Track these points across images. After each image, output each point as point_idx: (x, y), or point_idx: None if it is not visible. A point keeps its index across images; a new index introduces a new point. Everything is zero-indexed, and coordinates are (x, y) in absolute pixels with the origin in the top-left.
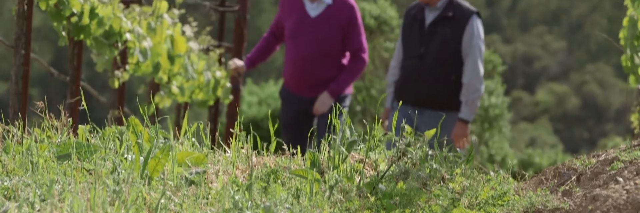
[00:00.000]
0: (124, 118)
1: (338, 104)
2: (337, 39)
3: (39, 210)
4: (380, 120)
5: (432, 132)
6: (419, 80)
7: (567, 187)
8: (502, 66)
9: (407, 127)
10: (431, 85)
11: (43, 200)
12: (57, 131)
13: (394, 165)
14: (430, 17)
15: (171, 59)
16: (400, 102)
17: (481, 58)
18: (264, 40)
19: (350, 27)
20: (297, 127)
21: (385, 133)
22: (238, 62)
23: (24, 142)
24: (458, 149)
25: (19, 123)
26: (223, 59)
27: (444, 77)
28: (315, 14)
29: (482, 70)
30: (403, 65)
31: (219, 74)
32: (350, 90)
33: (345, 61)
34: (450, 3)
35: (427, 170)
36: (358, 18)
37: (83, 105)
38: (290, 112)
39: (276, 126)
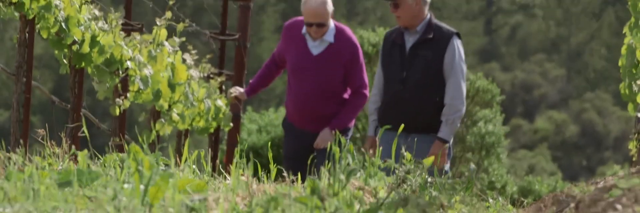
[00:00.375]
0: (125, 146)
1: (340, 136)
2: (339, 76)
3: None
4: (363, 149)
5: (431, 159)
6: (402, 105)
7: None
8: (501, 96)
9: (407, 155)
10: (415, 109)
11: None
12: (59, 158)
13: (393, 192)
14: (410, 40)
15: (172, 86)
16: (384, 127)
17: (463, 78)
18: (266, 67)
19: (352, 65)
20: (298, 159)
21: (385, 161)
22: (239, 89)
23: (25, 169)
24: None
25: (21, 151)
26: (224, 87)
27: (428, 99)
28: (317, 51)
29: (464, 91)
30: (385, 90)
31: (219, 101)
32: (352, 123)
33: (346, 96)
34: (429, 26)
35: (427, 198)
36: (360, 56)
37: (84, 132)
38: (292, 145)
39: (275, 154)
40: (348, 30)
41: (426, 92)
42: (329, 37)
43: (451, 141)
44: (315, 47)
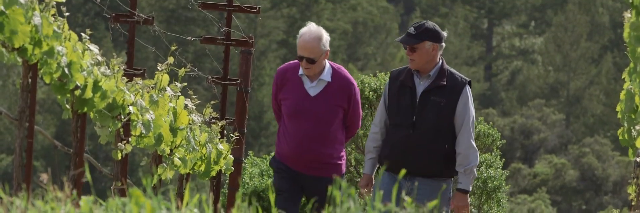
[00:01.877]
0: (127, 190)
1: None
2: (339, 116)
3: None
4: (359, 186)
5: (434, 202)
6: (411, 150)
7: None
8: (501, 140)
9: (408, 199)
10: (424, 155)
11: None
12: (61, 202)
13: None
14: (422, 85)
15: (173, 131)
16: (382, 168)
17: (473, 127)
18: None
19: (350, 104)
20: (290, 193)
21: (386, 204)
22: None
23: None
24: None
25: (23, 195)
26: (225, 131)
27: (438, 146)
28: (315, 92)
29: (473, 139)
30: (392, 133)
31: (220, 146)
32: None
33: (342, 136)
34: (442, 71)
35: None
36: (357, 94)
37: (87, 177)
38: (286, 180)
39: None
40: (344, 69)
41: (436, 138)
42: (326, 76)
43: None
44: (313, 88)
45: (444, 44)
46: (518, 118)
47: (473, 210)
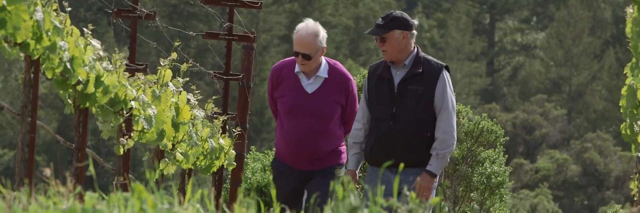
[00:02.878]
0: (129, 185)
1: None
2: (337, 112)
3: None
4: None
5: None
6: (393, 141)
7: None
8: (504, 138)
9: (412, 194)
10: (406, 145)
11: None
12: (63, 197)
13: None
14: (398, 75)
15: (175, 126)
16: (370, 164)
17: (454, 111)
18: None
19: (348, 99)
20: (295, 198)
21: (388, 199)
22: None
23: (30, 208)
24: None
25: (26, 190)
26: (227, 126)
27: (420, 135)
28: (312, 89)
29: (455, 125)
30: (373, 126)
31: (222, 141)
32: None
33: (341, 132)
34: (417, 59)
35: None
36: (354, 89)
37: (90, 171)
38: (287, 188)
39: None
40: (340, 65)
41: (417, 127)
42: (323, 73)
43: (440, 176)
44: (310, 85)
45: (415, 32)
46: (520, 114)
47: (476, 206)
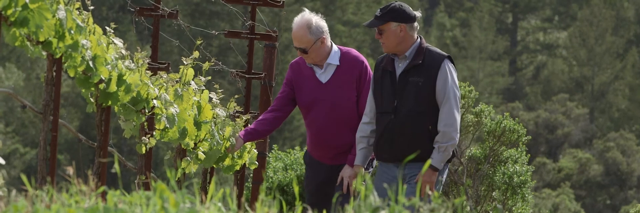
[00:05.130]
0: (151, 183)
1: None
2: (352, 101)
3: None
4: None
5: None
6: (395, 135)
7: None
8: (526, 137)
9: (436, 193)
10: (409, 139)
11: None
12: (85, 196)
13: None
14: (400, 67)
15: (198, 125)
16: (379, 160)
17: (457, 104)
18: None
19: (362, 83)
20: (321, 194)
21: (410, 199)
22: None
23: (52, 206)
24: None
25: (48, 188)
26: (249, 125)
27: (422, 128)
28: (326, 79)
29: (458, 117)
30: (378, 121)
31: None
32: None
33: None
34: (419, 50)
35: None
36: (369, 72)
37: (115, 169)
38: (314, 180)
39: (301, 191)
40: (353, 50)
41: (418, 120)
42: (334, 60)
43: (445, 171)
44: (324, 74)
45: (416, 24)
46: (542, 113)
47: (498, 205)
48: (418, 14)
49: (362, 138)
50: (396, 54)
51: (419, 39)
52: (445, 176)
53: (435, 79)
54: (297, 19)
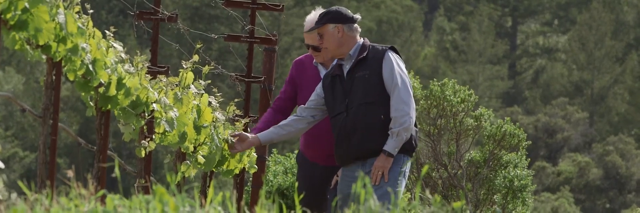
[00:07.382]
0: (150, 187)
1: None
2: None
3: None
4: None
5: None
6: (349, 132)
7: None
8: (526, 141)
9: (437, 197)
10: (362, 132)
11: None
12: (85, 200)
13: None
14: (347, 68)
15: (197, 128)
16: (341, 164)
17: (408, 89)
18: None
19: None
20: (314, 194)
21: (410, 202)
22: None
23: (52, 210)
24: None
25: (47, 192)
26: (249, 129)
27: (372, 118)
28: None
29: (410, 102)
30: (333, 125)
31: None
32: None
33: None
34: (363, 48)
35: None
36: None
37: (116, 173)
38: (307, 180)
39: (301, 196)
40: None
41: (370, 111)
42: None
43: (407, 162)
44: None
45: (356, 26)
46: (542, 117)
47: (497, 208)
48: (357, 16)
49: (279, 125)
50: (341, 58)
51: (362, 39)
52: (407, 168)
53: (381, 70)
54: (308, 19)
